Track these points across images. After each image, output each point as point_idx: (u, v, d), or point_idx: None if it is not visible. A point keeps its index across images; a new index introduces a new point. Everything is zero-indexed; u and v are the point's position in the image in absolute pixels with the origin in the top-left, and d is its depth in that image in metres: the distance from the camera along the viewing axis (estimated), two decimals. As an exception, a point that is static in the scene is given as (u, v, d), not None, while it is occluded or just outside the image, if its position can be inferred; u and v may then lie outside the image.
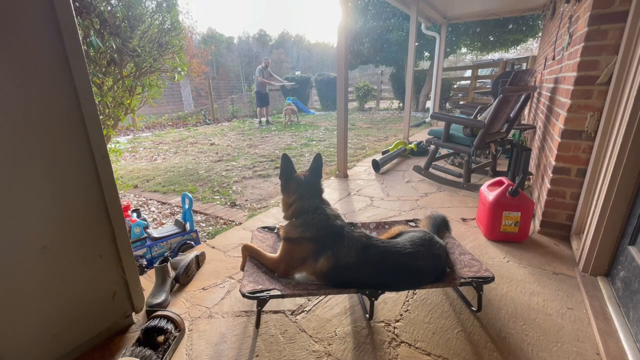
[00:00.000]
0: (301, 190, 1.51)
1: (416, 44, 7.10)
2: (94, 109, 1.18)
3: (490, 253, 1.98)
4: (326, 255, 1.37)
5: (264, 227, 1.92)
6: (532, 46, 15.85)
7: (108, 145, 2.41)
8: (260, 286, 1.31)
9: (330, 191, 3.19)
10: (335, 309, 1.53)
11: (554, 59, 2.95)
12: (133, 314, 1.47)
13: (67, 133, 1.14)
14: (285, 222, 1.55)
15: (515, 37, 9.98)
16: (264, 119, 9.21)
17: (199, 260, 1.88)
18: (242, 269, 1.57)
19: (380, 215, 2.58)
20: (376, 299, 1.36)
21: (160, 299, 1.54)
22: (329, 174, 3.83)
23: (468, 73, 10.79)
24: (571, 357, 1.24)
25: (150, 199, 3.34)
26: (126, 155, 5.59)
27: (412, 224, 1.91)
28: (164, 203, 3.22)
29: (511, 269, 1.81)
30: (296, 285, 1.40)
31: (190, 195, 2.17)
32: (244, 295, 1.24)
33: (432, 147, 3.49)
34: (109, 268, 1.33)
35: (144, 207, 3.15)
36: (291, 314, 1.50)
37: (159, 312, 1.39)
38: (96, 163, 1.21)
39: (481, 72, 10.54)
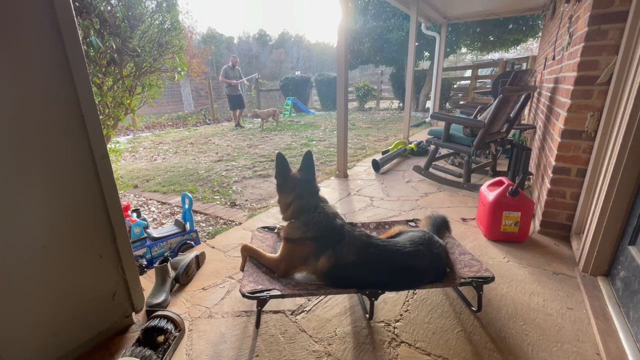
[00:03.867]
0: (299, 190, 1.50)
1: (416, 44, 7.09)
2: (94, 109, 1.18)
3: (490, 253, 1.98)
4: (327, 254, 1.37)
5: (264, 227, 1.92)
6: (532, 46, 15.84)
7: (108, 145, 2.41)
8: (260, 286, 1.31)
9: (330, 191, 3.19)
10: (335, 309, 1.53)
11: (554, 59, 2.95)
12: (133, 314, 1.47)
13: (67, 133, 1.14)
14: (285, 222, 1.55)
15: (515, 37, 9.98)
16: (241, 121, 8.93)
17: (199, 260, 1.88)
18: (242, 269, 1.56)
19: (380, 215, 2.58)
20: (376, 299, 1.36)
21: (160, 299, 1.54)
22: (329, 173, 3.83)
23: (468, 73, 10.80)
24: (571, 357, 1.24)
25: (150, 199, 3.34)
26: (126, 155, 5.59)
27: (412, 224, 1.91)
28: (164, 203, 3.22)
29: (511, 269, 1.81)
30: (296, 285, 1.40)
31: (190, 195, 2.17)
32: (244, 295, 1.24)
33: (432, 147, 3.48)
34: (109, 268, 1.33)
35: (144, 207, 3.15)
36: (291, 314, 1.50)
37: (159, 312, 1.39)
38: (96, 163, 1.21)
39: (481, 72, 10.55)
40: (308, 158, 1.53)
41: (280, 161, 1.50)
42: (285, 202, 1.51)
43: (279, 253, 1.50)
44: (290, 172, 1.54)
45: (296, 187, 1.50)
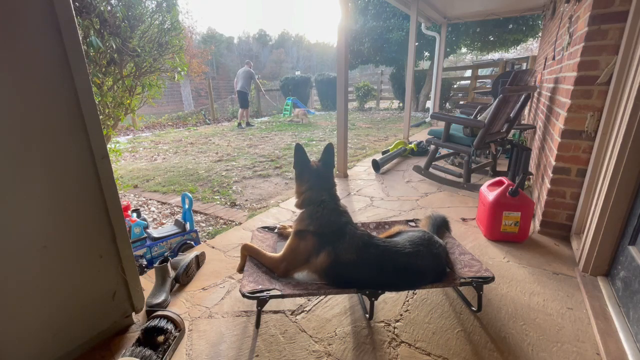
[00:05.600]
0: (311, 181, 1.52)
1: (416, 44, 7.09)
2: (94, 109, 1.18)
3: (490, 253, 1.98)
4: (327, 250, 1.37)
5: (264, 227, 1.91)
6: (532, 46, 15.85)
7: (108, 145, 2.41)
8: (260, 286, 1.31)
9: (330, 191, 3.18)
10: (335, 309, 1.53)
11: (554, 59, 2.95)
12: (133, 314, 1.47)
13: (67, 133, 1.14)
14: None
15: (515, 37, 9.98)
16: (243, 120, 9.09)
17: (199, 260, 1.88)
18: (240, 270, 1.56)
19: (380, 215, 2.58)
20: (376, 299, 1.36)
21: (160, 299, 1.54)
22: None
23: (468, 73, 10.81)
24: (571, 357, 1.24)
25: (150, 199, 3.34)
26: (126, 155, 5.59)
27: (412, 223, 1.91)
28: (164, 203, 3.22)
29: (511, 269, 1.81)
30: (296, 285, 1.40)
31: (190, 195, 2.17)
32: (244, 295, 1.24)
33: (432, 147, 3.49)
34: (109, 268, 1.33)
35: (144, 207, 3.15)
36: (291, 314, 1.50)
37: (159, 312, 1.39)
38: (96, 163, 1.21)
39: (481, 72, 10.56)
40: (328, 151, 1.55)
41: (299, 151, 1.54)
42: (299, 190, 1.55)
43: (282, 250, 1.50)
44: (309, 163, 1.55)
45: (310, 178, 1.53)
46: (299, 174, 1.57)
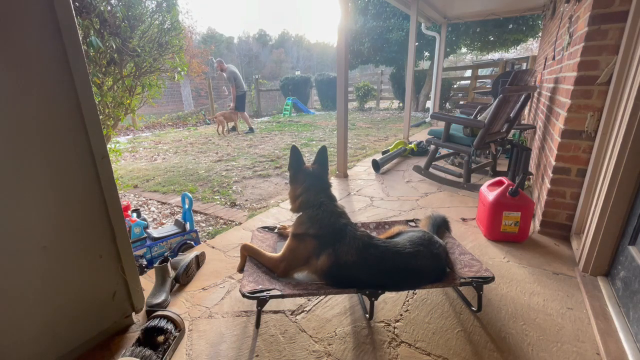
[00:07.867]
0: (308, 183, 1.51)
1: (416, 44, 7.10)
2: (94, 109, 1.18)
3: (490, 253, 1.98)
4: (327, 252, 1.37)
5: (264, 227, 1.92)
6: (532, 46, 15.86)
7: (108, 145, 2.41)
8: (260, 286, 1.31)
9: (330, 191, 3.18)
10: (335, 309, 1.53)
11: (554, 59, 2.95)
12: (133, 314, 1.47)
13: (67, 133, 1.14)
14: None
15: (515, 37, 9.98)
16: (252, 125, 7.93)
17: (199, 260, 1.88)
18: (240, 270, 1.56)
19: (380, 215, 2.58)
20: (376, 299, 1.36)
21: (160, 299, 1.54)
22: (329, 174, 3.83)
23: (468, 73, 10.81)
24: (571, 357, 1.24)
25: (150, 199, 3.34)
26: (126, 155, 5.59)
27: (412, 224, 1.91)
28: (164, 203, 3.22)
29: (511, 269, 1.81)
30: (296, 285, 1.40)
31: (190, 195, 2.17)
32: (244, 295, 1.24)
33: (432, 147, 3.48)
34: (109, 268, 1.33)
35: (144, 207, 3.15)
36: (291, 314, 1.50)
37: (159, 312, 1.39)
38: (96, 163, 1.21)
39: (481, 72, 10.56)
40: (322, 153, 1.56)
41: (294, 153, 1.54)
42: (295, 194, 1.54)
43: (281, 251, 1.50)
44: (303, 165, 1.56)
45: (306, 180, 1.52)
46: (293, 177, 1.56)
